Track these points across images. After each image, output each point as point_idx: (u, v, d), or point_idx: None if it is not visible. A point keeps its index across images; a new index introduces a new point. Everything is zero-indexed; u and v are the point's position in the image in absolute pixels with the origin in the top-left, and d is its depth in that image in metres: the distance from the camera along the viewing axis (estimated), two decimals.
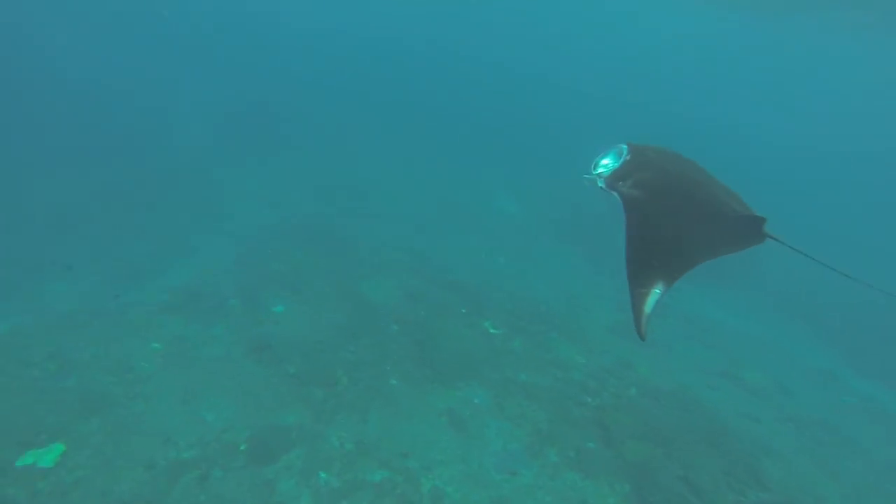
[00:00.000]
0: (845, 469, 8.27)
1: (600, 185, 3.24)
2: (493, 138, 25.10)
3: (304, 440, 6.65)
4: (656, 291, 2.92)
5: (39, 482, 5.60)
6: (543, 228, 16.34)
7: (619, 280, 12.13)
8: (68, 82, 21.72)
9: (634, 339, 2.92)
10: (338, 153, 19.19)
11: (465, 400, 7.79)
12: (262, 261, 10.82)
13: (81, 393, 6.94)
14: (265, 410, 7.03)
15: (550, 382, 8.54)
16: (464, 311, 10.03)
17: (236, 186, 14.76)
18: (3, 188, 12.89)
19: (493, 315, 10.13)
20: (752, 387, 10.08)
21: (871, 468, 8.50)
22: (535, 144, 24.51)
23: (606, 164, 3.26)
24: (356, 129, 22.89)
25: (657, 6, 29.96)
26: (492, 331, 9.64)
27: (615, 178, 3.19)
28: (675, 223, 3.06)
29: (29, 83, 20.29)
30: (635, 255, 3.03)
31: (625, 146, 3.28)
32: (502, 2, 39.49)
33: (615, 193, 3.16)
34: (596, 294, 12.48)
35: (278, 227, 12.65)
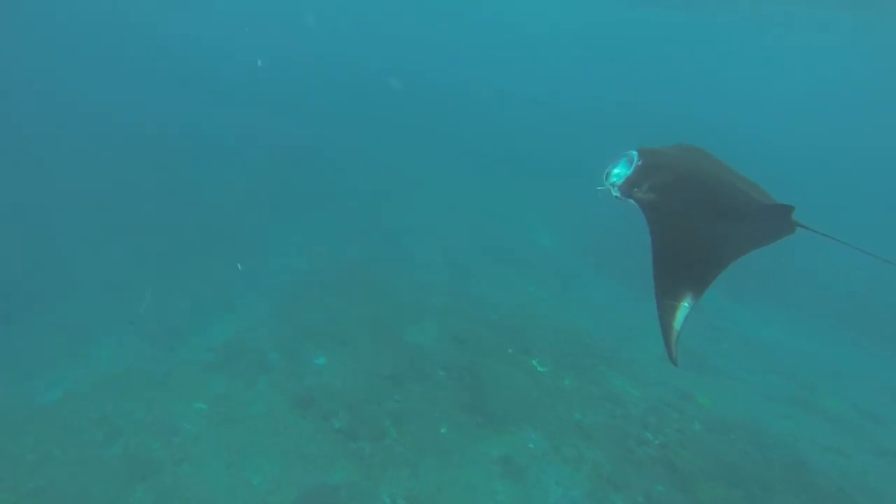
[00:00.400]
0: None
1: (615, 194, 3.16)
2: (514, 159, 24.84)
3: (353, 499, 6.36)
4: (685, 305, 2.80)
5: None
6: (580, 256, 15.93)
7: None
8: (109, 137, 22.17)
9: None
10: (366, 194, 19.26)
11: (518, 445, 7.40)
12: (298, 311, 10.73)
13: (128, 460, 6.84)
14: (312, 469, 6.78)
15: (607, 420, 8.08)
16: (510, 350, 9.68)
17: (267, 234, 14.85)
18: (50, 255, 13.25)
19: (539, 352, 9.75)
20: (832, 415, 9.32)
21: None
22: (555, 163, 24.09)
23: (618, 172, 3.16)
24: (381, 164, 22.94)
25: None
26: (540, 369, 9.26)
27: (629, 185, 3.10)
28: (697, 222, 2.96)
29: (72, 144, 20.98)
30: (661, 262, 2.92)
31: (634, 152, 3.18)
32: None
33: (632, 201, 3.09)
34: (643, 321, 11.94)
35: (313, 276, 12.60)
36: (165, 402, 7.94)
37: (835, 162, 34.66)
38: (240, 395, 8.18)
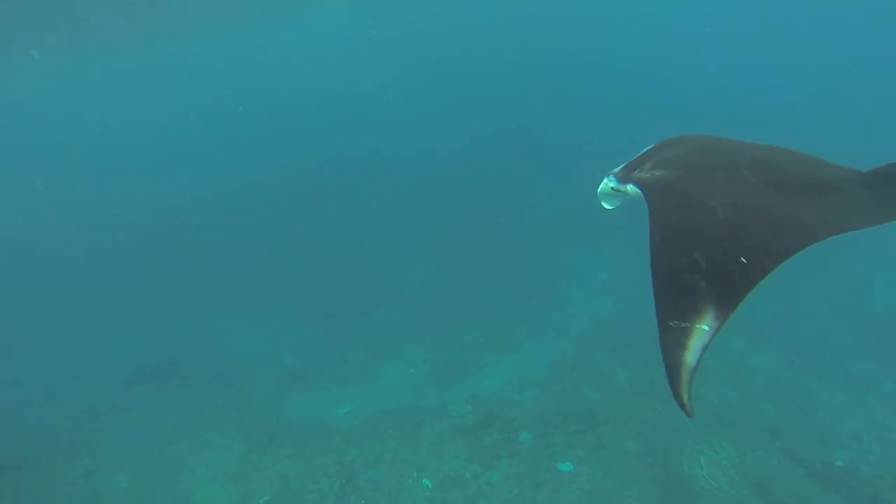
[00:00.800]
0: None
1: (611, 186, 2.47)
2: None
3: None
4: (703, 328, 1.70)
5: None
6: None
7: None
8: None
9: None
10: None
11: None
12: (578, 379, 9.19)
13: None
14: None
15: None
16: None
17: (570, 267, 13.39)
18: (376, 269, 14.89)
19: None
20: None
21: None
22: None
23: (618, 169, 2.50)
24: None
25: None
26: None
27: (629, 169, 2.38)
28: (727, 197, 1.91)
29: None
30: (667, 262, 1.86)
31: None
32: None
33: (630, 186, 2.29)
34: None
35: (615, 325, 10.74)
36: (403, 462, 7.72)
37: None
38: (471, 481, 7.37)
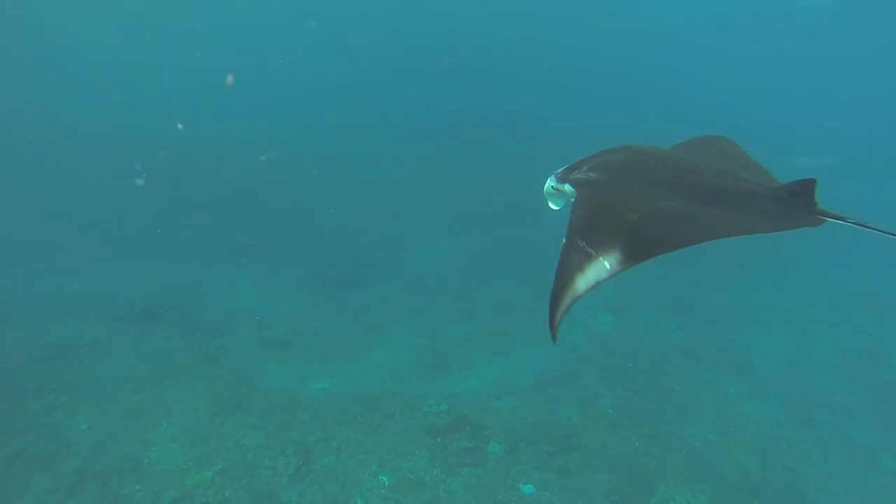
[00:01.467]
0: None
1: (552, 185, 2.63)
2: None
3: None
4: (605, 263, 1.88)
5: None
6: None
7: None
8: None
9: None
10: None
11: None
12: (561, 395, 8.84)
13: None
14: None
15: None
16: None
17: None
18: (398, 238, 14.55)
19: None
20: None
21: None
22: None
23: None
24: None
25: None
26: None
27: (570, 170, 2.60)
28: (640, 195, 2.25)
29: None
30: (584, 212, 2.17)
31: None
32: None
33: (567, 186, 2.50)
34: None
35: (611, 345, 10.30)
36: (361, 454, 7.50)
37: None
38: (430, 487, 7.12)
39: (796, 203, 2.27)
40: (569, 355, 10.09)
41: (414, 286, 12.35)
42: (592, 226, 2.05)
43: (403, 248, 14.10)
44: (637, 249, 1.92)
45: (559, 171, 2.67)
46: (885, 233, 2.19)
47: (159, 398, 8.09)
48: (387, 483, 7.05)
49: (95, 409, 7.88)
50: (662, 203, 2.22)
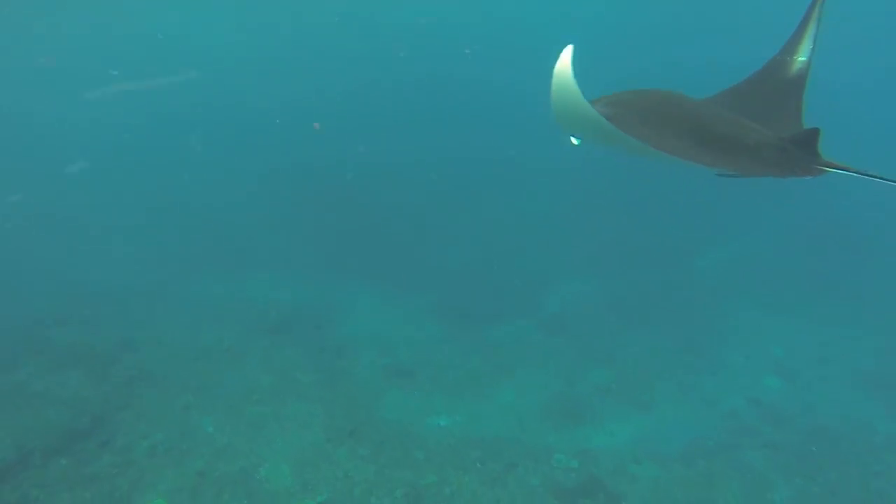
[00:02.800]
0: None
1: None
2: None
3: None
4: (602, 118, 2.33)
5: None
6: None
7: None
8: None
9: None
10: None
11: None
12: (718, 473, 7.35)
13: None
14: None
15: None
16: None
17: (735, 326, 10.99)
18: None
19: None
20: None
21: None
22: None
23: None
24: None
25: None
26: None
27: (592, 103, 2.61)
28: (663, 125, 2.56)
29: None
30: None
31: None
32: None
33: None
34: None
35: (782, 417, 8.51)
36: None
37: None
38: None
39: (797, 154, 2.36)
40: (724, 422, 8.57)
41: (550, 325, 11.43)
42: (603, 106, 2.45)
43: (542, 284, 13.23)
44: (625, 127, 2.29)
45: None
46: (888, 180, 2.11)
47: (279, 413, 7.98)
48: None
49: (221, 415, 7.95)
50: (664, 129, 2.48)
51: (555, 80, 2.25)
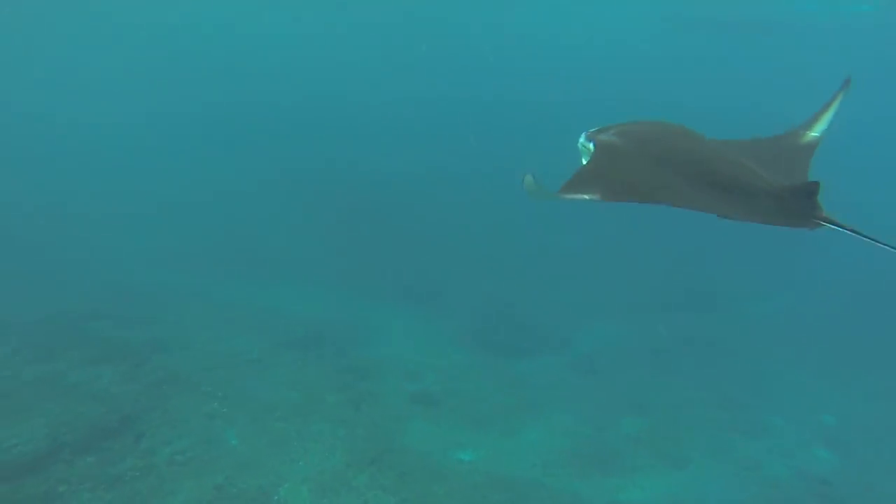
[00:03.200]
0: None
1: (581, 142, 2.83)
2: None
3: None
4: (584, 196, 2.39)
5: None
6: None
7: None
8: None
9: None
10: None
11: None
12: None
13: None
14: None
15: None
16: None
17: (782, 389, 10.43)
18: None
19: None
20: None
21: None
22: None
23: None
24: None
25: None
26: None
27: (598, 132, 2.79)
28: (668, 175, 2.49)
29: None
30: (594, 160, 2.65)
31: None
32: None
33: (591, 144, 2.72)
34: None
35: (832, 494, 7.99)
36: None
37: None
38: None
39: (796, 204, 2.35)
40: (765, 491, 8.09)
41: (581, 365, 11.12)
42: (594, 165, 2.47)
43: (574, 321, 12.92)
44: (615, 189, 2.33)
45: (591, 130, 2.78)
46: (883, 244, 2.17)
47: (302, 432, 7.86)
48: None
49: (245, 428, 7.87)
50: (659, 169, 2.46)
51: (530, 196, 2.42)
